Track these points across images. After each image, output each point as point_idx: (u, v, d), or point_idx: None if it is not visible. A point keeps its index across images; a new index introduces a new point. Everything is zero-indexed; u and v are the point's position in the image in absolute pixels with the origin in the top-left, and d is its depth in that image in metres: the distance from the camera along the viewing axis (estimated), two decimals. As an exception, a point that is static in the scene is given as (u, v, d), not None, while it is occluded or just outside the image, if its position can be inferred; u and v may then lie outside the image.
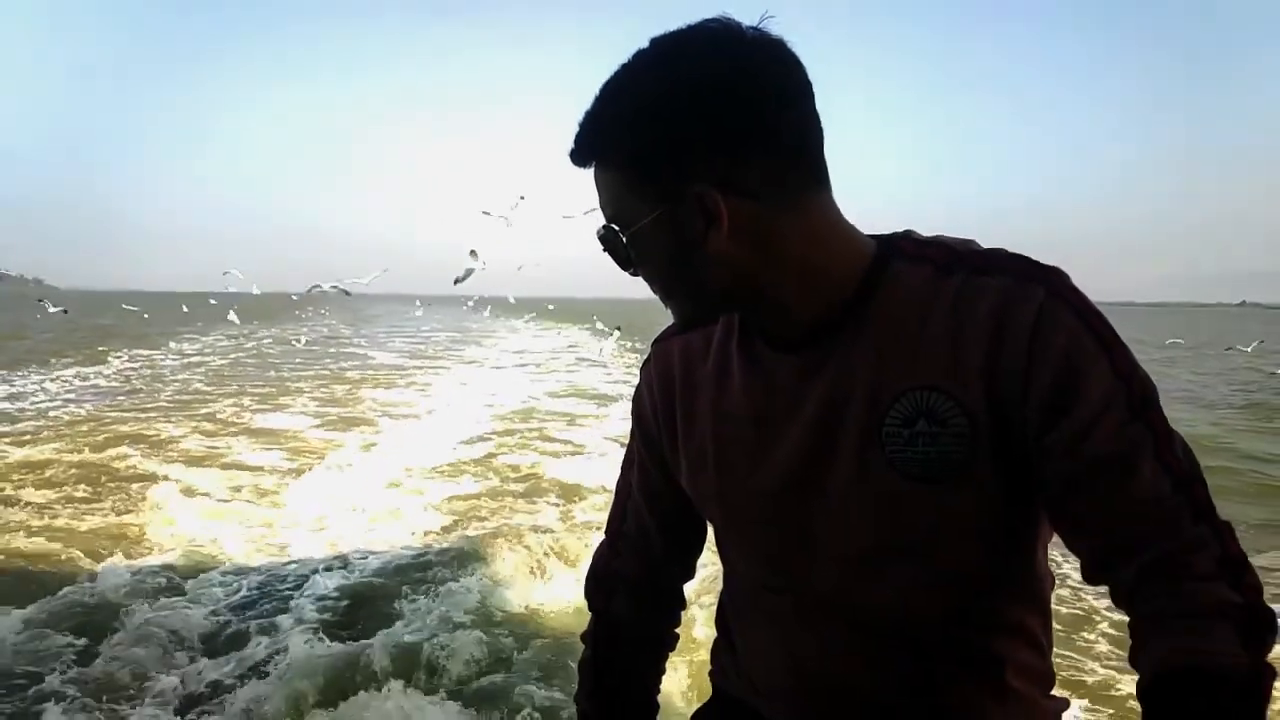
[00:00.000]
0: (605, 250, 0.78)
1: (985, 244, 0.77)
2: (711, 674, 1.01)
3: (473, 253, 7.23)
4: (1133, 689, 0.71)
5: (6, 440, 8.37)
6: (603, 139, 0.75)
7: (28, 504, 6.00)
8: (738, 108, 0.70)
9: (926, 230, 0.81)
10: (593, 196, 0.78)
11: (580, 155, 0.77)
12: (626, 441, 1.01)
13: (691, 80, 0.70)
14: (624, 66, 0.73)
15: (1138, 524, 0.69)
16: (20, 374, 14.43)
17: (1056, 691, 0.88)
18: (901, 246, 0.77)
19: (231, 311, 20.98)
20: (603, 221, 0.78)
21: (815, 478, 0.78)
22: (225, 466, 7.49)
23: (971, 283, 0.72)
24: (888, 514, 0.75)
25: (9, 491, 6.32)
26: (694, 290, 0.77)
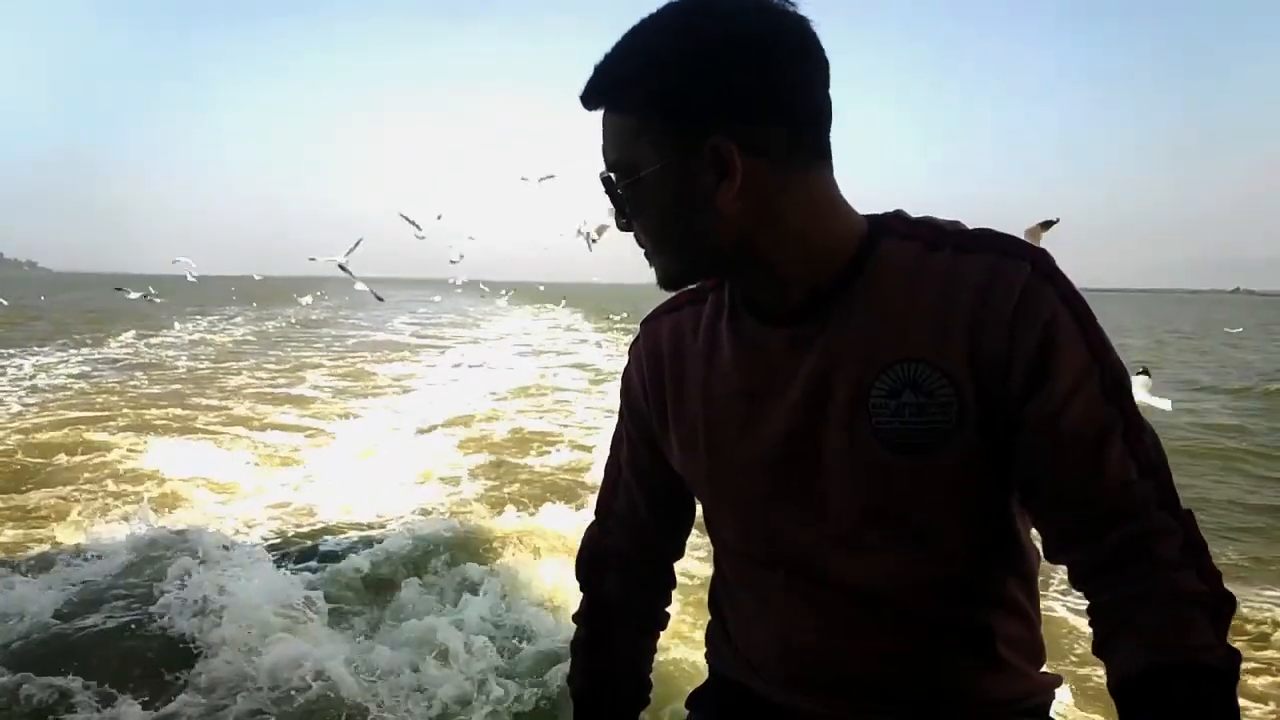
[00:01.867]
0: (606, 193, 0.79)
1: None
2: (706, 655, 1.01)
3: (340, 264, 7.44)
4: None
5: (36, 409, 9.07)
6: (624, 82, 0.75)
7: (86, 460, 6.65)
8: (765, 72, 0.71)
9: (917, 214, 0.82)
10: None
11: (594, 96, 0.77)
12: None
13: (726, 36, 0.71)
14: (653, 16, 0.74)
15: (1104, 503, 0.70)
16: (45, 350, 15.23)
17: (1047, 668, 0.88)
18: (892, 225, 0.78)
19: (307, 297, 22.94)
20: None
21: (805, 450, 0.79)
22: (259, 429, 8.18)
23: (959, 259, 0.74)
24: (876, 485, 0.76)
25: (66, 450, 6.95)
26: (688, 246, 0.77)
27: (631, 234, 0.81)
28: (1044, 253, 0.73)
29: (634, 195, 0.77)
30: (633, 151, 0.75)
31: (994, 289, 0.71)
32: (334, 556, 4.54)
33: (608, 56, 0.75)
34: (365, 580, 4.20)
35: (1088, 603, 0.73)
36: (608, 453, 1.02)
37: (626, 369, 0.96)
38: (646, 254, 0.81)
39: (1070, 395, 0.70)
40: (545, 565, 4.35)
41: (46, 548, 4.63)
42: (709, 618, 1.00)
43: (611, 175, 0.77)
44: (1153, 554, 0.68)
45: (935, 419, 0.73)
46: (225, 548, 4.50)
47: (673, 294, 0.87)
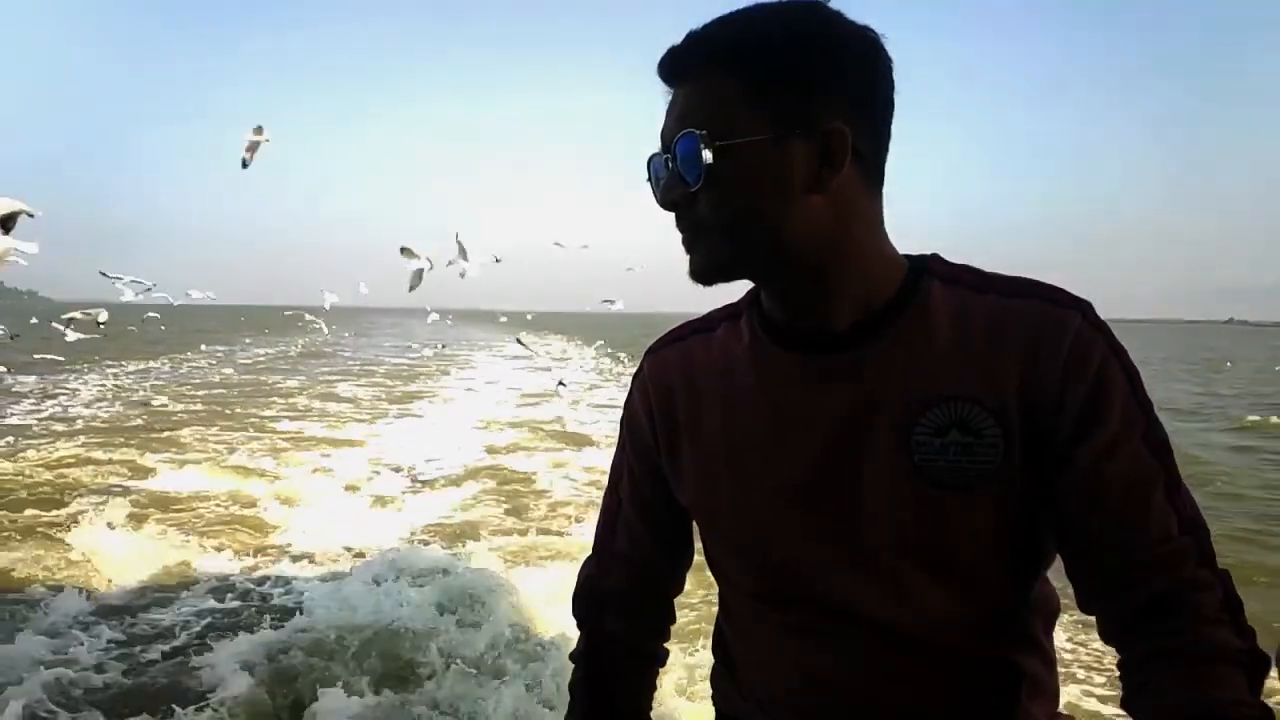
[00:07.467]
0: (675, 160, 0.73)
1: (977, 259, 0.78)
2: (713, 698, 0.99)
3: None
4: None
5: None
6: (743, 45, 0.70)
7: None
8: (880, 78, 0.72)
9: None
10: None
11: (691, 59, 0.73)
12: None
13: (850, 29, 0.71)
14: (761, 3, 0.72)
15: (1145, 555, 0.70)
16: (82, 371, 16.76)
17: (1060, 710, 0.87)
18: (933, 266, 0.77)
19: (321, 322, 23.27)
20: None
21: (839, 484, 0.77)
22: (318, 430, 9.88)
23: (1007, 303, 0.74)
24: (915, 520, 0.75)
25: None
26: (757, 232, 0.72)
27: (674, 214, 0.76)
28: (1090, 303, 0.74)
29: (719, 164, 0.71)
30: (735, 116, 0.70)
31: (1047, 333, 0.71)
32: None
33: (711, 25, 0.72)
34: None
35: (1119, 655, 0.73)
36: (605, 488, 0.99)
37: (630, 400, 0.93)
38: (689, 238, 0.76)
39: (1117, 443, 0.70)
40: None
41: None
42: (711, 658, 0.98)
43: (695, 133, 0.70)
44: (1190, 608, 0.68)
45: (981, 458, 0.72)
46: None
47: (692, 298, 0.81)
